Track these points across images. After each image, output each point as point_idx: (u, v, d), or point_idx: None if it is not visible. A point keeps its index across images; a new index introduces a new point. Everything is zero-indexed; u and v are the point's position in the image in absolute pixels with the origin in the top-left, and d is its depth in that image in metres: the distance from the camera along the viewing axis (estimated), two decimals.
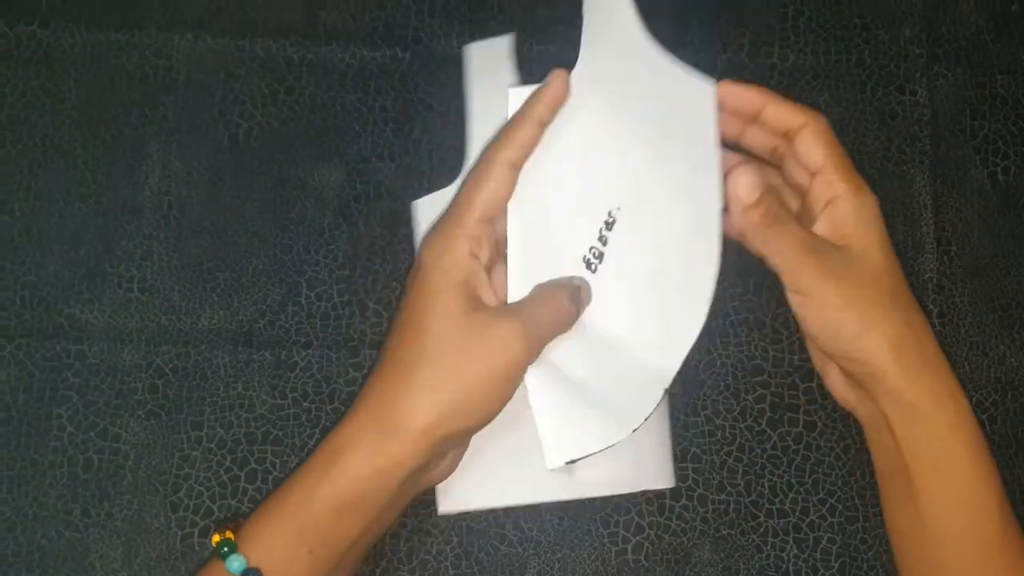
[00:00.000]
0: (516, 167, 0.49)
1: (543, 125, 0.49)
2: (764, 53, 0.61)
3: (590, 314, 0.51)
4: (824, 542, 0.55)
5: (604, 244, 0.52)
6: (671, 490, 0.55)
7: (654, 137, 0.51)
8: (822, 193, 0.49)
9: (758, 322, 0.56)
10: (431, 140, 0.58)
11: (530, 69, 0.59)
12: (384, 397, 0.45)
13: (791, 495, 0.55)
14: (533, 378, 0.48)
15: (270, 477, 0.54)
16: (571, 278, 0.51)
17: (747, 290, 0.57)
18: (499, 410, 0.47)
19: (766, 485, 0.55)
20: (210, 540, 0.46)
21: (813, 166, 0.49)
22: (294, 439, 0.55)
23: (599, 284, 0.51)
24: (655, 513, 0.55)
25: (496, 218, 0.49)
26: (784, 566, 0.55)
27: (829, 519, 0.55)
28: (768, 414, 0.56)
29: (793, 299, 0.48)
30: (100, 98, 0.58)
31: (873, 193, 0.49)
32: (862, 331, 0.47)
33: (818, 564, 0.55)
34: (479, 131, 0.55)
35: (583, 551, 0.55)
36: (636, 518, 0.55)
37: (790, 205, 0.52)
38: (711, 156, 0.49)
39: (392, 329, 0.48)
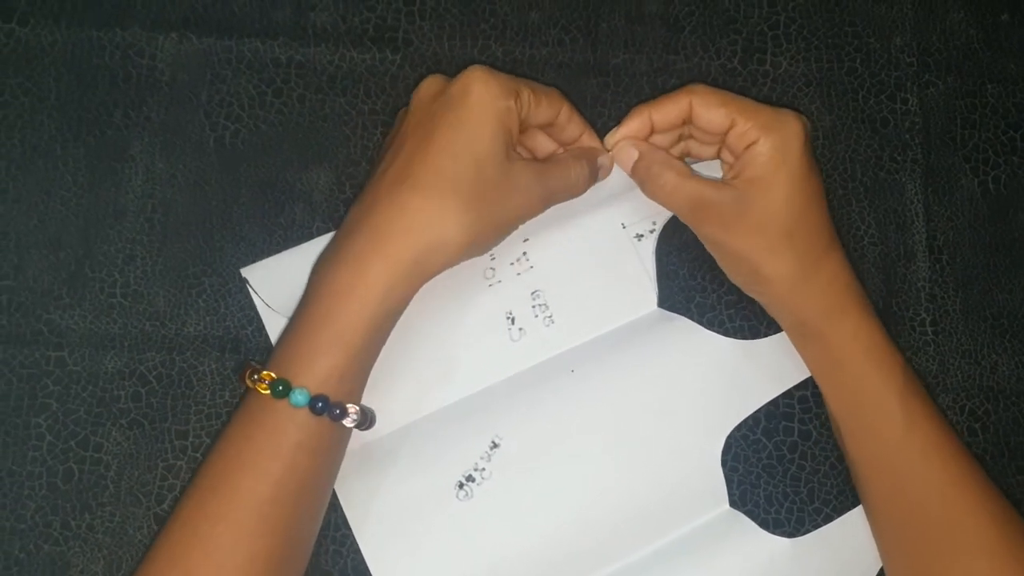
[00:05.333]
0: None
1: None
2: (756, 60, 0.60)
3: None
4: None
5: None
6: None
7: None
8: (740, 144, 0.51)
9: (753, 330, 0.56)
10: None
11: (521, 73, 0.59)
12: (420, 220, 0.47)
13: (786, 505, 0.55)
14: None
15: None
16: (588, 149, 0.53)
17: (740, 298, 0.56)
18: (492, 248, 0.52)
19: (761, 495, 0.55)
20: (249, 382, 0.46)
21: (722, 128, 0.51)
22: None
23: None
24: None
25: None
26: None
27: None
28: (763, 423, 0.55)
29: (705, 244, 0.53)
30: (82, 98, 0.56)
31: (794, 118, 0.50)
32: (752, 275, 0.52)
33: None
34: None
35: None
36: None
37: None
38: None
39: (421, 149, 0.48)
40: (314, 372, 0.46)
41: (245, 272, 0.54)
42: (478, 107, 0.48)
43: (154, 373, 0.54)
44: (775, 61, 0.60)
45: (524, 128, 0.51)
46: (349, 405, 0.47)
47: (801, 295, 0.51)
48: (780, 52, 0.61)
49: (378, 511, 0.51)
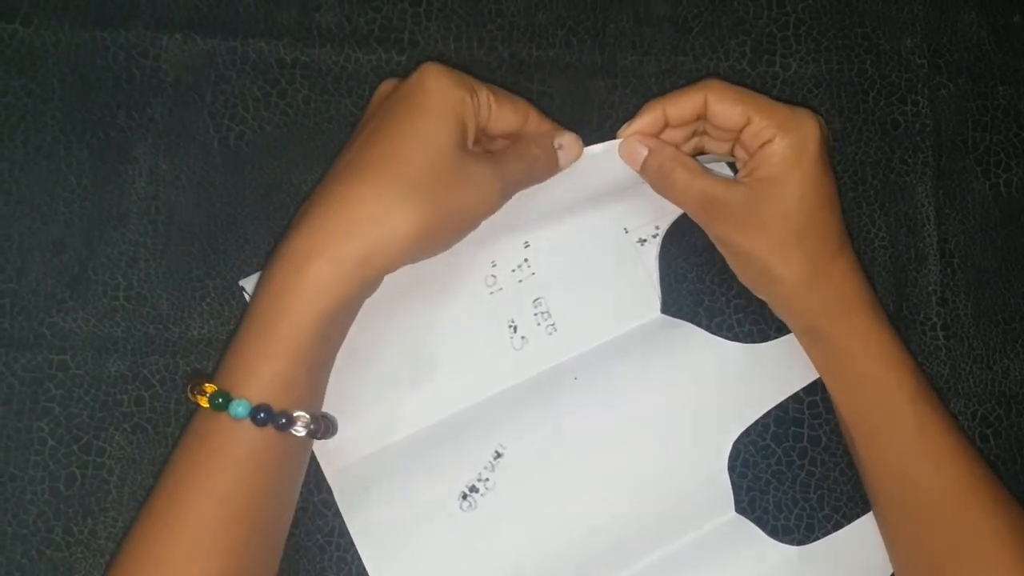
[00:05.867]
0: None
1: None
2: (765, 62, 0.60)
3: None
4: None
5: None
6: None
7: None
8: (755, 142, 0.50)
9: (762, 334, 0.55)
10: None
11: (528, 74, 0.58)
12: (363, 211, 0.45)
13: (795, 511, 0.54)
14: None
15: None
16: (541, 134, 0.51)
17: (749, 302, 0.56)
18: (450, 246, 0.49)
19: (770, 501, 0.54)
20: (192, 395, 0.44)
21: (738, 125, 0.50)
22: None
23: None
24: None
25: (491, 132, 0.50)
26: None
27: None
28: (772, 428, 0.55)
29: (715, 243, 0.52)
30: (85, 99, 0.56)
31: (811, 118, 0.49)
32: (762, 275, 0.51)
33: None
34: None
35: None
36: None
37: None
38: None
39: (371, 139, 0.47)
40: (256, 380, 0.44)
41: (244, 283, 0.53)
42: (433, 96, 0.46)
43: (157, 377, 0.53)
44: (784, 63, 0.60)
45: (490, 133, 0.50)
46: (297, 413, 0.44)
47: (811, 297, 0.50)
48: (789, 54, 0.60)
49: (380, 522, 0.51)
